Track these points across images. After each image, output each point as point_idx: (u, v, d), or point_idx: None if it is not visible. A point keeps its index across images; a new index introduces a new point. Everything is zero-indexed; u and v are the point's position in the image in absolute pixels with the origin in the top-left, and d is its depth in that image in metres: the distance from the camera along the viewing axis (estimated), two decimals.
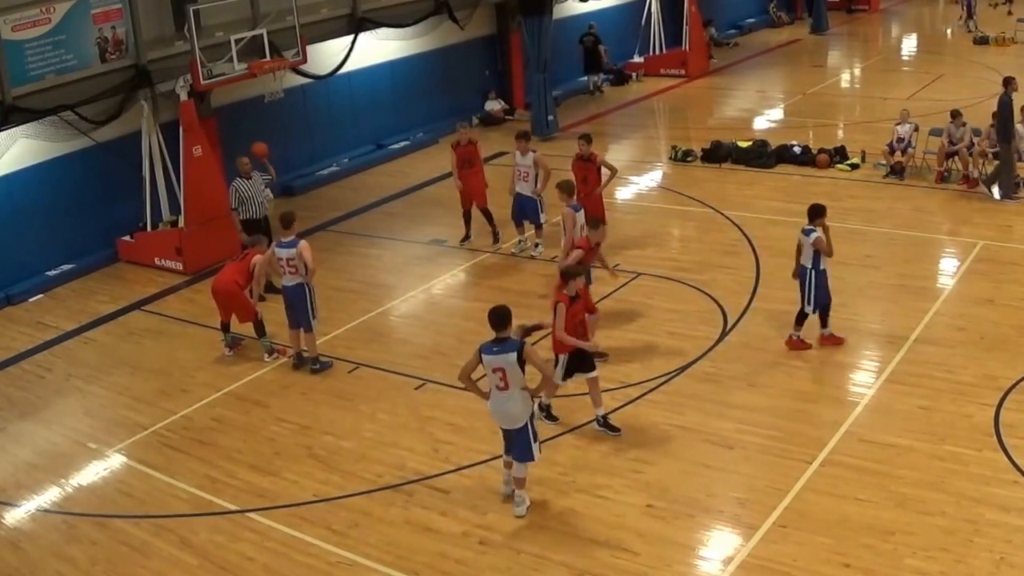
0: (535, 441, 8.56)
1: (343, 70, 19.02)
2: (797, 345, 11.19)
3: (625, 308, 12.45)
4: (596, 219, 11.32)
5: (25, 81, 13.81)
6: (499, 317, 8.34)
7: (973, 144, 16.11)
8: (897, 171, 16.86)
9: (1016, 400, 9.81)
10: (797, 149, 18.29)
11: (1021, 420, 9.48)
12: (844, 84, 26.47)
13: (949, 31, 32.33)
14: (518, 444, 8.55)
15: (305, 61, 17.04)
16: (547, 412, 10.10)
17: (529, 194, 14.31)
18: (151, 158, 15.61)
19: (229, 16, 16.31)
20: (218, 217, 14.84)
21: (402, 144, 21.10)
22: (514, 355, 8.25)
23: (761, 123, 21.78)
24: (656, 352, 11.47)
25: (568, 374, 9.72)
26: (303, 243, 11.42)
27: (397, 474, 9.52)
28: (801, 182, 17.29)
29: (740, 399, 10.34)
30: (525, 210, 14.51)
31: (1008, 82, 15.42)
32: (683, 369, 11.03)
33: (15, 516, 9.43)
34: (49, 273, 15.18)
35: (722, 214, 15.84)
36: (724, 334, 11.77)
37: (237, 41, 15.45)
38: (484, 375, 8.50)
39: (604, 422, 9.88)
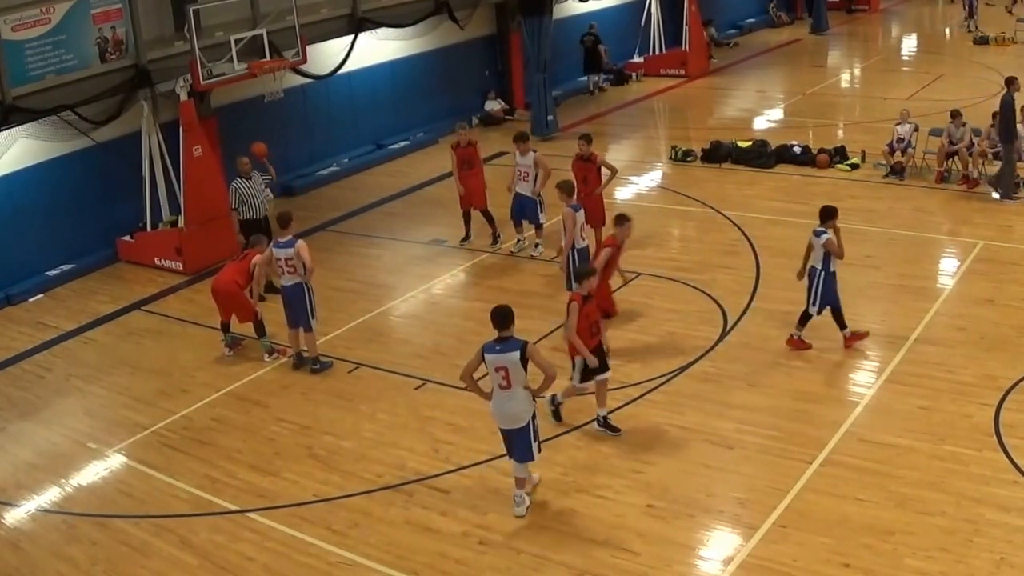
0: (535, 440, 8.57)
1: (343, 70, 19.02)
2: (798, 345, 11.19)
3: (625, 308, 12.44)
4: (622, 215, 11.41)
5: (25, 81, 13.81)
6: (501, 316, 8.35)
7: (973, 144, 16.11)
8: (897, 171, 16.86)
9: (1016, 400, 9.81)
10: (797, 149, 18.29)
11: (1021, 420, 9.47)
12: (844, 84, 26.47)
13: (947, 31, 32.35)
14: (519, 444, 8.55)
15: (305, 61, 17.04)
16: (555, 410, 10.04)
17: (528, 194, 14.32)
18: (151, 158, 15.61)
19: (229, 16, 16.31)
20: (218, 217, 14.85)
21: (402, 144, 21.10)
22: (517, 354, 8.25)
23: (761, 123, 21.78)
24: (656, 352, 11.47)
25: (586, 376, 9.66)
26: (300, 243, 11.42)
27: (397, 474, 9.52)
28: (801, 182, 17.29)
29: (740, 399, 10.34)
30: (524, 210, 14.52)
31: (1011, 82, 15.41)
32: (683, 369, 11.03)
33: (15, 516, 9.43)
34: (49, 273, 15.18)
35: (722, 214, 15.84)
36: (724, 334, 11.76)
37: (237, 41, 15.44)
38: (485, 374, 8.51)
39: (605, 422, 9.88)
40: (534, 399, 8.55)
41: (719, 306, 12.47)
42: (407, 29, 20.41)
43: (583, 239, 12.34)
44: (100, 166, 15.62)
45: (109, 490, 9.75)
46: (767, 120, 22.06)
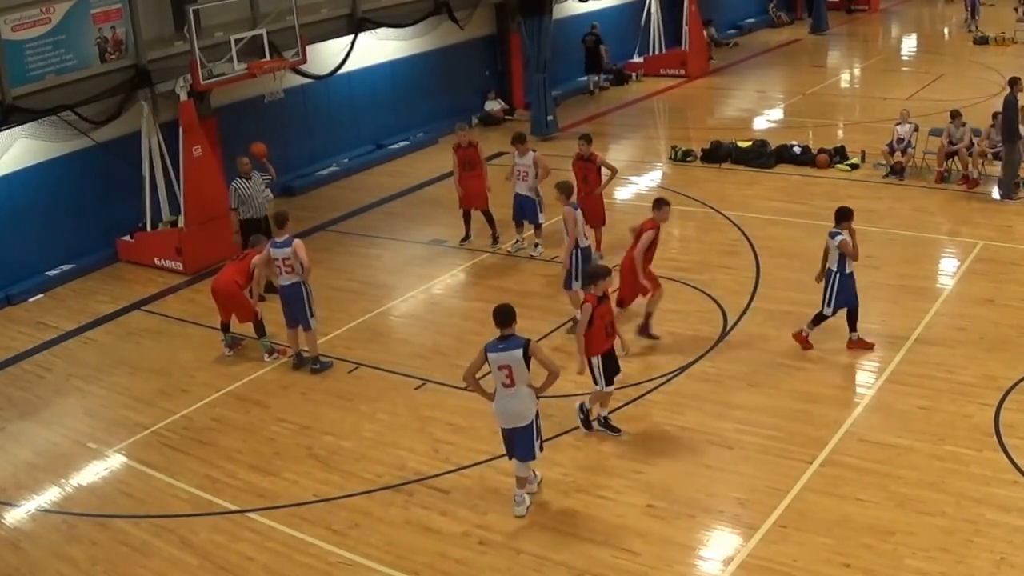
0: (538, 439, 8.57)
1: (343, 70, 19.02)
2: (803, 341, 11.12)
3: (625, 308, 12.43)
4: (661, 199, 11.49)
5: (25, 81, 13.80)
6: (504, 315, 8.35)
7: (973, 144, 16.11)
8: (897, 171, 16.87)
9: (1016, 400, 9.81)
10: (797, 149, 18.29)
11: (1021, 420, 9.47)
12: (844, 84, 26.47)
13: (946, 30, 32.35)
14: (521, 443, 8.54)
15: (305, 61, 17.04)
16: (585, 419, 9.91)
17: (528, 193, 14.33)
18: (151, 158, 15.61)
19: (229, 16, 16.31)
20: (218, 217, 14.83)
21: (402, 144, 21.09)
22: (520, 352, 8.25)
23: (761, 123, 21.78)
24: (656, 352, 11.47)
25: (608, 378, 9.61)
26: (297, 242, 11.40)
27: (397, 474, 9.52)
28: (801, 182, 17.30)
29: (740, 399, 10.34)
30: (524, 210, 14.52)
31: (1015, 82, 15.37)
32: (683, 369, 11.03)
33: (15, 516, 9.43)
34: (49, 273, 15.17)
35: (722, 214, 15.84)
36: (724, 334, 11.77)
37: (237, 41, 15.44)
38: (487, 374, 8.51)
39: (605, 422, 9.87)
40: (538, 397, 8.55)
41: (719, 306, 12.46)
42: (407, 29, 20.40)
43: (585, 238, 12.34)
44: (100, 166, 15.60)
45: (109, 490, 9.75)
46: (767, 120, 22.06)
